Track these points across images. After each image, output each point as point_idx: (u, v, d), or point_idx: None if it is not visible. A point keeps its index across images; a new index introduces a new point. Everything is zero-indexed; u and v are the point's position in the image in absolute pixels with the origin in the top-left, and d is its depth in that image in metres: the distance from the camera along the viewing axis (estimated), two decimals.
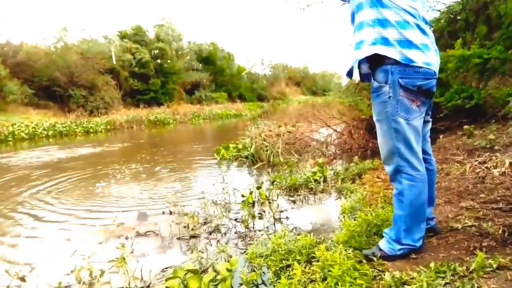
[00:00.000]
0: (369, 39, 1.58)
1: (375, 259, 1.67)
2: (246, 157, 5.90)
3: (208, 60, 33.56)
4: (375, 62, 1.64)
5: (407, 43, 1.54)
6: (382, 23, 1.56)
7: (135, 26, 27.43)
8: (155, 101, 25.14)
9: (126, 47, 24.48)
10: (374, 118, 1.71)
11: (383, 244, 1.72)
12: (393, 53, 1.54)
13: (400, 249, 1.65)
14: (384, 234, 1.75)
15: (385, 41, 1.55)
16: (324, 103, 11.59)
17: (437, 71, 1.63)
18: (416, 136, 1.62)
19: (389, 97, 1.58)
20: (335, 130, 6.62)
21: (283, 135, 6.46)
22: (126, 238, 2.78)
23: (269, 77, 44.80)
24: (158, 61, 26.92)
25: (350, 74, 1.79)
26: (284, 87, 46.17)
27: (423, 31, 1.59)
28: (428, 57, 1.58)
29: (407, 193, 1.61)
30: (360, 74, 1.84)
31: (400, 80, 1.55)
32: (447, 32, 7.45)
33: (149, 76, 25.52)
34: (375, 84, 1.64)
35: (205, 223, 2.98)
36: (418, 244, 1.65)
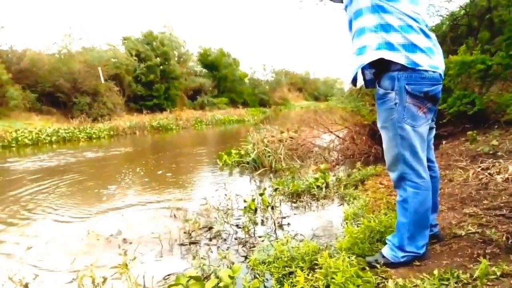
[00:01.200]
0: (373, 44, 1.57)
1: (378, 266, 1.66)
2: (248, 163, 5.91)
3: (213, 65, 33.64)
4: (380, 68, 1.63)
5: (412, 47, 1.53)
6: (385, 28, 1.55)
7: (148, 32, 27.52)
8: (158, 107, 25.19)
9: (131, 53, 24.54)
10: (379, 125, 1.69)
11: (386, 251, 1.71)
12: (398, 57, 1.53)
13: (403, 256, 1.64)
14: (387, 241, 1.75)
15: (390, 46, 1.54)
16: (326, 108, 11.59)
17: (442, 75, 1.62)
18: (422, 143, 1.61)
19: (396, 103, 1.57)
20: (338, 136, 6.63)
21: (285, 141, 6.46)
22: (125, 241, 2.78)
23: (271, 82, 44.80)
24: (161, 67, 27.04)
25: (354, 81, 1.78)
26: (286, 92, 46.24)
27: (427, 35, 1.58)
28: (434, 61, 1.57)
29: (412, 201, 1.60)
30: (364, 79, 1.83)
31: (406, 87, 1.54)
32: (449, 37, 7.47)
33: (153, 82, 25.60)
34: (381, 91, 1.63)
35: (206, 229, 2.98)
36: (422, 251, 1.65)
